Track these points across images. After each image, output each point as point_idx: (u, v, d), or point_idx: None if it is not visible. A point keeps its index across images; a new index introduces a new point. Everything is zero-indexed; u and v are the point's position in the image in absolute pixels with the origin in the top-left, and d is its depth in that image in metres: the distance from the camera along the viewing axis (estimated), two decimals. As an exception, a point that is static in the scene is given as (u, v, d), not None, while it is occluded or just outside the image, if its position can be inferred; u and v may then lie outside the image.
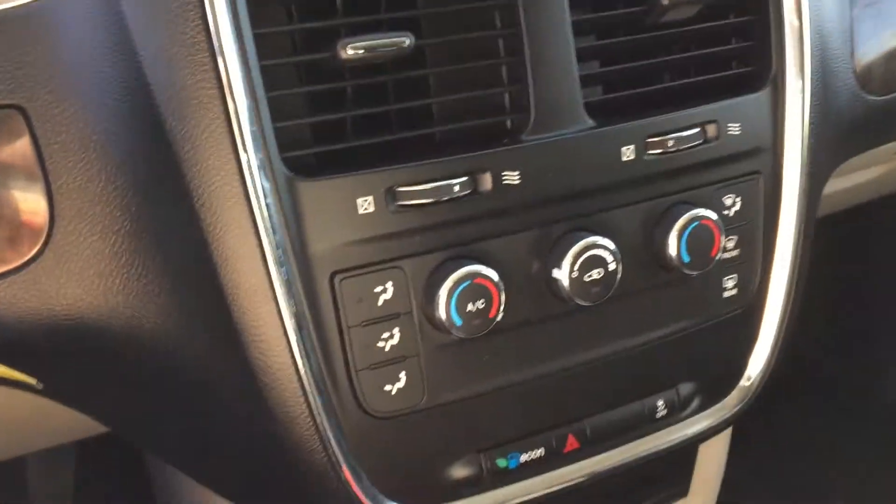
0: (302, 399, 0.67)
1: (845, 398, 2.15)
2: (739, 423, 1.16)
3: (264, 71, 0.63)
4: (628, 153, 0.74)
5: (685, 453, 1.03)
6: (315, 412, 0.67)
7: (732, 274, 0.82)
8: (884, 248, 2.08)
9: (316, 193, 0.65)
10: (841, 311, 2.19)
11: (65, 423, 0.83)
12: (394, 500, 0.74)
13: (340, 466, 0.70)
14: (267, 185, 0.63)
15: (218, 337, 0.66)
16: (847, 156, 0.99)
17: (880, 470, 1.95)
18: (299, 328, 0.65)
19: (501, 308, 0.69)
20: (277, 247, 0.64)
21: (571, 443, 0.79)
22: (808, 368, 2.21)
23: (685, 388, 0.84)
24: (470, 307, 0.68)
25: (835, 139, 0.90)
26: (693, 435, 0.86)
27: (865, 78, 0.93)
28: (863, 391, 2.13)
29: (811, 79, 0.82)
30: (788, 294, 0.85)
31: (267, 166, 0.63)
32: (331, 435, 0.68)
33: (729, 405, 0.87)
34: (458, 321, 0.68)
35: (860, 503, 1.88)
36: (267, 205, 0.63)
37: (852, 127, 0.93)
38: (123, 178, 0.63)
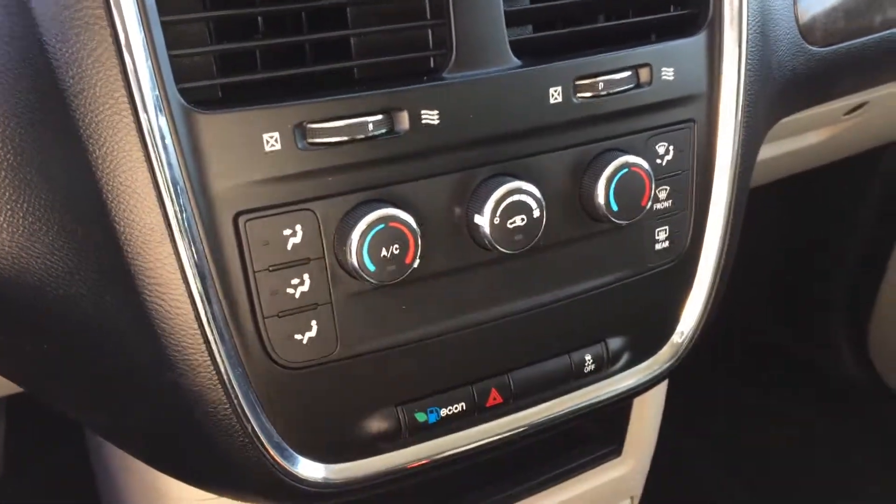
0: (203, 347, 0.63)
1: (793, 366, 2.18)
2: (683, 391, 1.15)
3: None
4: (556, 95, 0.71)
5: (618, 412, 1.01)
6: (218, 361, 0.64)
7: (664, 226, 0.80)
8: (834, 217, 2.09)
9: (216, 128, 0.60)
10: (791, 279, 2.21)
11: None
12: (307, 455, 0.71)
13: (248, 419, 0.66)
14: (161, 118, 0.58)
15: (111, 279, 0.62)
16: (789, 110, 0.97)
17: (825, 437, 1.98)
18: (200, 272, 0.62)
19: (418, 254, 0.66)
20: (174, 184, 0.60)
21: (494, 397, 0.76)
22: (754, 336, 2.23)
23: (614, 342, 0.81)
24: (384, 252, 0.65)
25: (775, 90, 0.87)
26: (623, 391, 0.84)
27: (808, 28, 0.90)
28: (810, 361, 2.16)
29: (749, 25, 0.79)
30: (722, 249, 0.83)
31: (161, 97, 0.58)
32: (236, 386, 0.65)
33: (660, 361, 0.85)
34: (371, 267, 0.64)
35: (803, 470, 1.90)
36: (161, 138, 0.59)
37: (794, 78, 0.90)
38: (5, 106, 0.58)
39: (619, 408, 1.01)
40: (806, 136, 1.43)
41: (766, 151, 1.30)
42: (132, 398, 0.70)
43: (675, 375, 0.89)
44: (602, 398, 0.83)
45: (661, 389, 1.06)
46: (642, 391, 0.85)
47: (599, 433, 1.03)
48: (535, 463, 0.98)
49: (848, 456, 1.92)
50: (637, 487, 1.10)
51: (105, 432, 0.80)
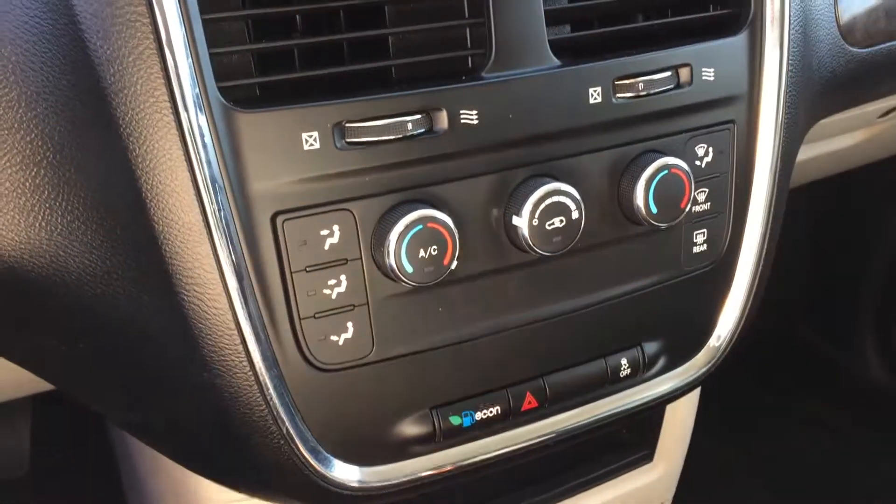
0: (240, 347, 0.63)
1: (821, 370, 2.16)
2: (712, 393, 1.14)
3: None
4: (595, 95, 0.70)
5: (651, 417, 1.00)
6: (254, 362, 0.63)
7: (702, 228, 0.78)
8: (863, 221, 2.07)
9: (256, 126, 0.60)
10: (819, 283, 2.19)
11: (17, 376, 0.78)
12: (341, 458, 0.70)
13: (283, 421, 0.66)
14: (201, 116, 0.58)
15: (149, 278, 0.61)
16: (828, 111, 0.96)
17: (853, 443, 1.95)
18: (237, 271, 0.61)
19: (456, 255, 0.65)
20: (213, 182, 0.59)
21: (529, 401, 0.75)
22: (783, 338, 2.21)
23: (651, 346, 0.80)
24: (422, 253, 0.64)
25: (814, 91, 0.86)
26: (659, 396, 0.82)
27: (849, 28, 0.89)
28: (837, 365, 2.14)
29: (790, 25, 0.78)
30: (760, 252, 0.82)
31: (202, 95, 0.58)
32: (271, 387, 0.64)
33: (697, 365, 0.84)
34: (409, 268, 0.64)
35: (833, 477, 1.88)
36: (201, 136, 0.58)
37: (834, 79, 0.89)
38: (45, 103, 0.58)
39: (653, 413, 0.99)
40: (841, 139, 1.41)
41: (801, 153, 1.29)
42: (167, 397, 0.70)
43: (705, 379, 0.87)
44: (637, 403, 0.81)
45: (694, 394, 1.05)
46: (678, 396, 0.84)
47: (631, 438, 1.02)
48: (566, 468, 0.97)
49: (877, 463, 1.90)
50: (668, 493, 1.09)
51: (138, 431, 0.80)
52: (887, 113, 1.32)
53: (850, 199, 2.06)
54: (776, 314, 2.19)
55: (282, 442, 0.67)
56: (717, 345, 0.84)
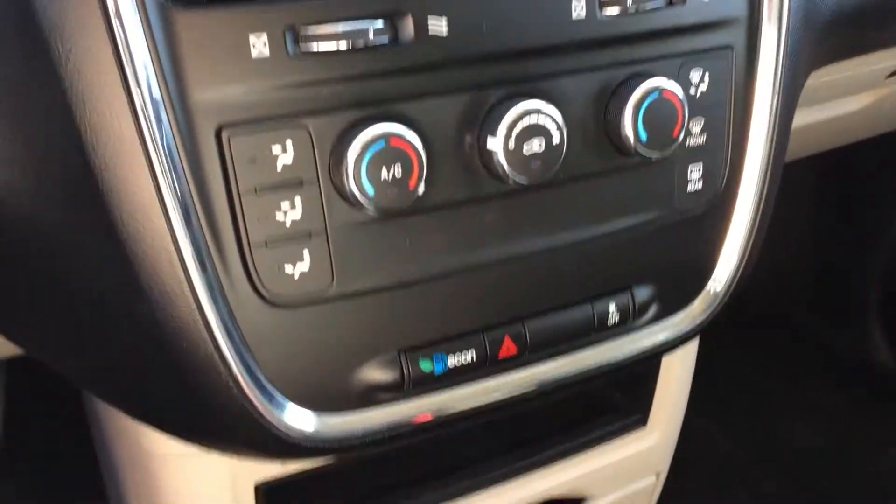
0: (180, 274, 0.56)
1: (825, 354, 2.11)
2: (710, 373, 1.08)
3: None
4: (579, 9, 0.63)
5: (644, 377, 0.94)
6: (198, 292, 0.57)
7: (698, 163, 0.72)
8: (875, 201, 2.02)
9: (197, 28, 0.54)
10: (826, 265, 2.15)
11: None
12: (296, 403, 0.64)
13: (231, 360, 0.60)
14: (132, 12, 0.52)
15: (79, 195, 0.55)
16: (832, 52, 0.89)
17: (856, 428, 1.91)
18: (177, 189, 0.55)
19: (423, 178, 0.59)
20: (148, 89, 0.53)
21: (508, 347, 0.69)
22: (790, 324, 2.17)
23: (642, 292, 0.73)
24: (384, 174, 0.58)
25: (819, 22, 0.80)
26: (651, 348, 0.76)
27: (856, -44, 0.83)
28: (843, 348, 2.09)
29: (794, -59, 0.72)
30: (761, 191, 0.75)
31: None
32: (217, 321, 0.58)
33: (693, 314, 0.77)
34: (370, 190, 0.58)
35: (833, 463, 1.83)
36: (132, 36, 0.52)
37: (840, 12, 0.82)
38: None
39: (645, 372, 0.93)
40: (846, 102, 1.35)
41: (804, 117, 1.22)
42: (105, 334, 0.63)
43: (704, 359, 0.81)
44: (628, 355, 0.75)
45: (691, 358, 0.99)
46: (673, 348, 0.78)
47: (624, 401, 0.95)
48: (552, 432, 0.91)
49: (882, 449, 1.84)
50: (664, 462, 1.03)
51: (79, 379, 0.73)
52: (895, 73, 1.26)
53: (855, 178, 2.01)
54: (778, 298, 2.14)
55: (229, 383, 0.60)
56: (715, 291, 0.77)
